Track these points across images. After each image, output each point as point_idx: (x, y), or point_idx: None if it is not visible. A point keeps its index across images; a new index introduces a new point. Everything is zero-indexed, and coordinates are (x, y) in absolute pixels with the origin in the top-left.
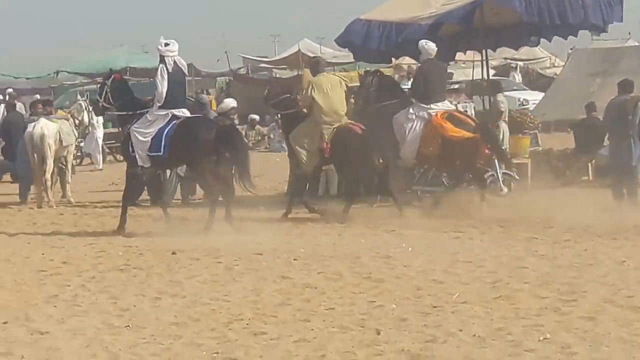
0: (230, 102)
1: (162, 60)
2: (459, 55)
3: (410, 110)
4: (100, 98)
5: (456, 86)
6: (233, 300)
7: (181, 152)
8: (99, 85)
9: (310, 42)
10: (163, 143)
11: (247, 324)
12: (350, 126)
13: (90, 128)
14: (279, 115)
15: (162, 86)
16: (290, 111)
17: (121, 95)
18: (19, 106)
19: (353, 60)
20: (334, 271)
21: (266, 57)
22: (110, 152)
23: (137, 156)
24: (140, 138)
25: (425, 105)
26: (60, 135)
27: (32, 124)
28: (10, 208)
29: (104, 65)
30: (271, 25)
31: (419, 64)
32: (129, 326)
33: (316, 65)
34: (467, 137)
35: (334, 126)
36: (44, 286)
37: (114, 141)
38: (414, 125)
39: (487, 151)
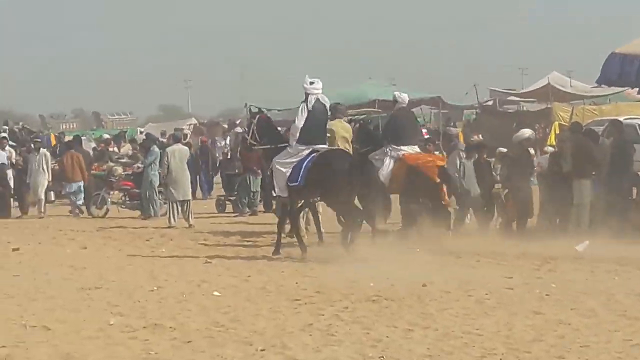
0: (525, 132)
1: (305, 97)
2: None
3: (385, 151)
4: (248, 135)
5: None
6: (485, 335)
7: (317, 183)
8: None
9: (560, 75)
10: (301, 174)
11: (501, 359)
12: None
13: None
14: None
15: (300, 122)
16: None
17: (266, 133)
18: None
19: (611, 92)
20: (588, 308)
21: (514, 89)
22: None
23: (275, 186)
24: (282, 169)
25: (396, 147)
26: None
27: None
28: (264, 237)
29: (353, 98)
30: (520, 58)
31: (392, 111)
32: (382, 357)
33: (334, 111)
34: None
35: None
36: (299, 315)
37: None
38: (386, 163)
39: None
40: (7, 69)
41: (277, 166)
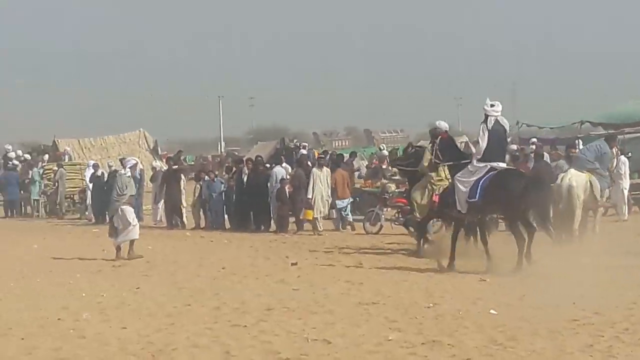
0: None
1: (485, 118)
2: None
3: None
4: (432, 154)
5: None
6: None
7: (494, 200)
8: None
9: None
10: (479, 191)
11: None
12: None
13: (616, 178)
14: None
15: (482, 142)
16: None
17: (448, 151)
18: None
19: None
20: None
21: None
22: (635, 202)
23: (456, 202)
24: (461, 187)
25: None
26: (590, 187)
27: (561, 175)
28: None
29: (626, 117)
30: None
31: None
32: None
33: (434, 132)
34: None
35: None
36: (578, 335)
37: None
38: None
39: None
40: (283, 91)
41: (458, 183)
